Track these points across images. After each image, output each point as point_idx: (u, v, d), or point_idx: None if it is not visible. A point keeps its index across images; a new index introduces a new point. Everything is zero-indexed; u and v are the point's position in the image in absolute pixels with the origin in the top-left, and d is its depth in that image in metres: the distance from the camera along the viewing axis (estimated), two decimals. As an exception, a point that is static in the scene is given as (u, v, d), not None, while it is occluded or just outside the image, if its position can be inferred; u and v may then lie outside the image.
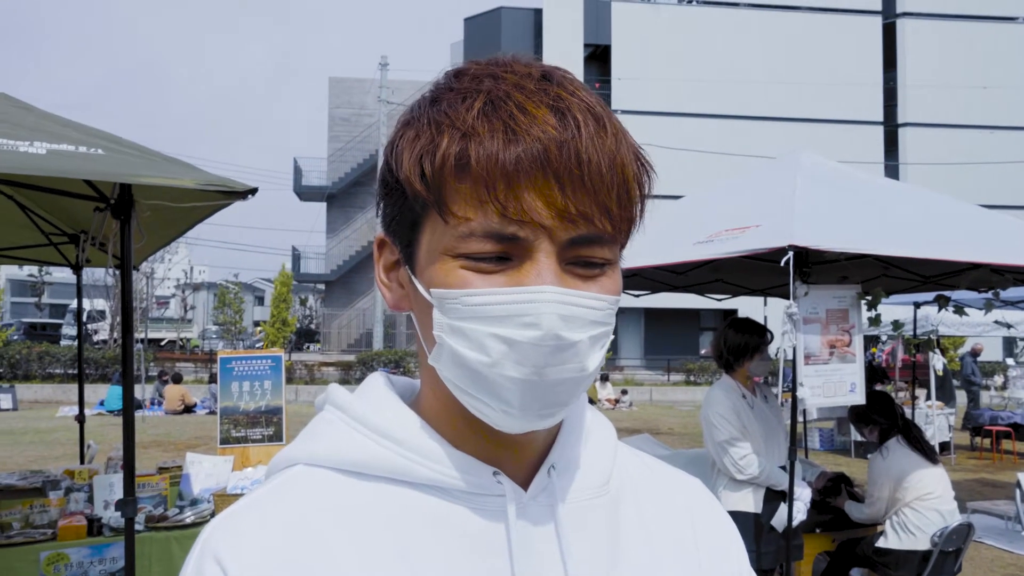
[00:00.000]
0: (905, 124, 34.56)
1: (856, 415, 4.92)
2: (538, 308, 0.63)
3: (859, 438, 11.76)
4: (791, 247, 3.57)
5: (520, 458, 0.73)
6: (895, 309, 8.79)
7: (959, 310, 5.51)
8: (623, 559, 0.74)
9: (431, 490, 0.70)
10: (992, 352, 24.27)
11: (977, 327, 11.19)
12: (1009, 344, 25.28)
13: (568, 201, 0.63)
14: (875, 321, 4.87)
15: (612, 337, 0.69)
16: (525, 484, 0.72)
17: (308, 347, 40.63)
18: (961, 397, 14.78)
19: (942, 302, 5.51)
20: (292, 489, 0.70)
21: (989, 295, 5.34)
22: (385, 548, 0.66)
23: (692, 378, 27.87)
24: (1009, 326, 9.32)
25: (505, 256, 0.64)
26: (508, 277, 0.64)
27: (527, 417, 0.66)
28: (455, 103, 0.65)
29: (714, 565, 0.79)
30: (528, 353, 0.63)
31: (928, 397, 11.82)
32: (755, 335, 4.25)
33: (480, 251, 0.64)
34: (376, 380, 0.79)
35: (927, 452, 4.69)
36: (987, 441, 12.67)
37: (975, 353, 15.05)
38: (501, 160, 0.62)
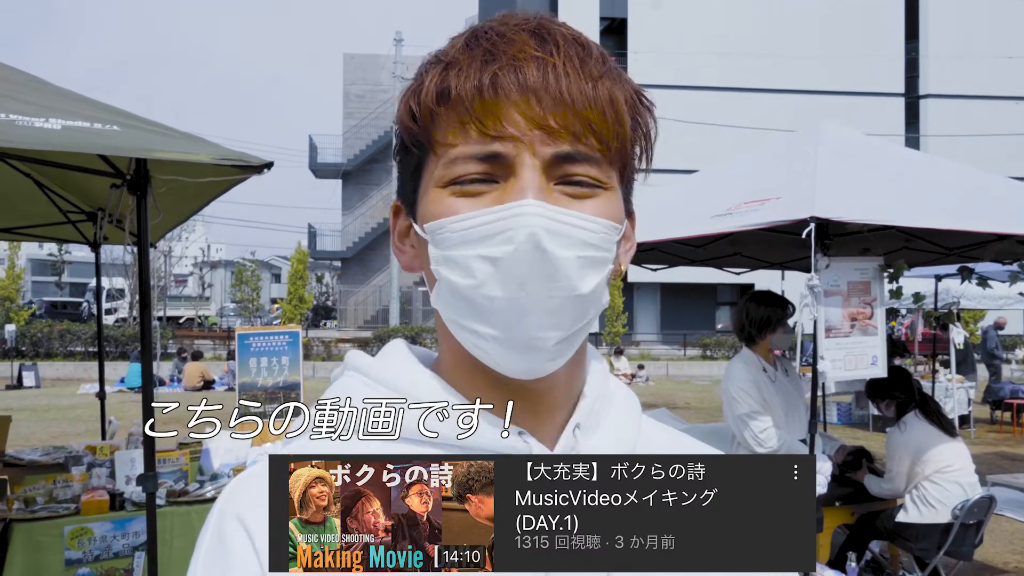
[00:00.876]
0: (927, 95, 34.02)
1: (873, 390, 4.88)
2: (518, 221, 0.62)
3: (877, 412, 11.72)
4: (813, 219, 3.52)
5: (544, 419, 0.72)
6: (916, 282, 8.70)
7: (983, 282, 5.42)
8: None
9: (458, 451, 0.67)
10: (1014, 326, 24.02)
11: (999, 300, 11.07)
12: (1030, 318, 25.02)
13: (547, 114, 0.62)
14: (896, 294, 4.81)
15: (611, 267, 0.67)
16: (550, 446, 0.71)
17: (325, 324, 40.87)
18: (981, 370, 14.65)
19: (965, 274, 5.43)
20: (310, 447, 0.68)
21: (1015, 267, 5.26)
22: None
23: (708, 353, 27.82)
24: None
25: (491, 178, 0.64)
26: (494, 197, 0.64)
27: (519, 346, 0.64)
28: (446, 47, 0.67)
29: None
30: (510, 267, 0.62)
31: (947, 369, 11.74)
32: (777, 307, 4.21)
33: (465, 174, 0.64)
34: (396, 345, 0.78)
35: (945, 426, 4.65)
36: (1007, 415, 12.58)
37: (999, 326, 14.88)
38: (477, 80, 0.63)
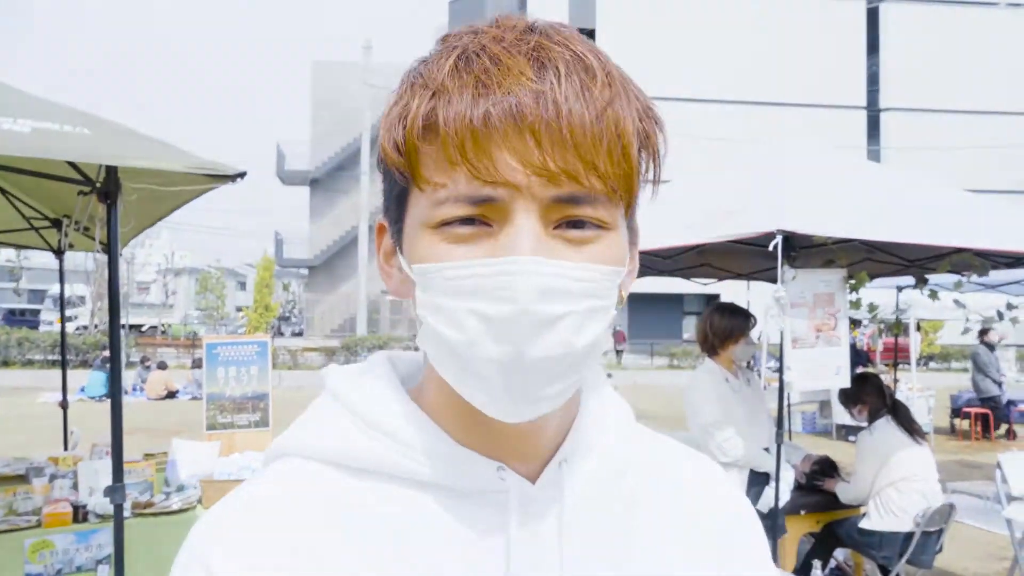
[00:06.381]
0: (888, 108, 34.74)
1: (846, 395, 4.97)
2: (513, 280, 0.57)
3: (841, 421, 11.91)
4: (780, 231, 3.58)
5: (529, 451, 0.68)
6: (878, 292, 8.85)
7: (933, 295, 5.56)
8: (636, 549, 0.70)
9: (431, 488, 0.66)
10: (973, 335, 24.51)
11: (956, 310, 11.28)
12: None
13: (547, 157, 0.57)
14: (855, 305, 4.90)
15: (613, 313, 0.63)
16: (534, 478, 0.67)
17: (284, 332, 40.47)
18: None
19: (920, 282, 5.57)
20: (282, 486, 0.66)
21: (961, 276, 5.39)
22: (380, 549, 0.63)
23: (675, 362, 28.03)
24: (964, 306, 9.28)
25: (484, 221, 0.59)
26: (487, 245, 0.59)
27: (515, 403, 0.60)
28: (431, 62, 0.61)
29: (733, 551, 0.76)
30: (504, 330, 0.57)
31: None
32: (740, 319, 4.28)
33: (455, 216, 0.59)
34: (378, 364, 0.73)
35: (914, 433, 4.75)
36: (966, 423, 12.84)
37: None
38: (469, 117, 0.57)
